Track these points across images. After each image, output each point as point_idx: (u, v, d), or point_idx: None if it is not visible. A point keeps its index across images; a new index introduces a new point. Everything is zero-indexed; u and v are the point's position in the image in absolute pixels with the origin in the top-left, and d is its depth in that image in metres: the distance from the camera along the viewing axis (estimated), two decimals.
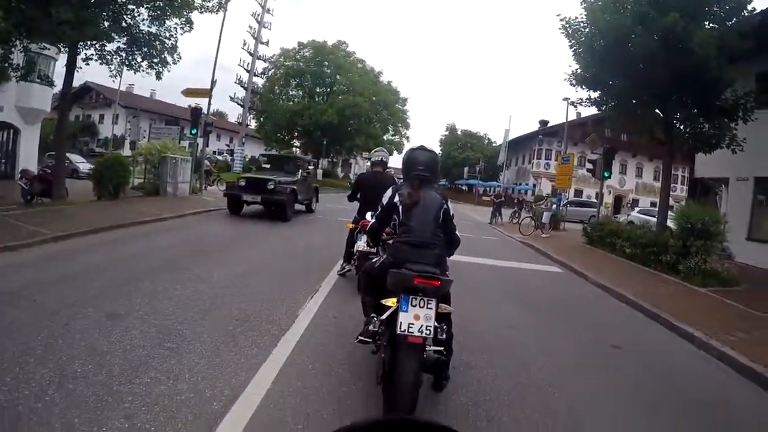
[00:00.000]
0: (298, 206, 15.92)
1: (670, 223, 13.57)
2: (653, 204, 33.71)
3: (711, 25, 12.23)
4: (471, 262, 10.60)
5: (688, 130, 13.99)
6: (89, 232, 9.24)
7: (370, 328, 3.37)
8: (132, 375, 3.48)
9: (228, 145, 57.20)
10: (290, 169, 15.83)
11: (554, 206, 22.18)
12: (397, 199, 3.60)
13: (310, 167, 18.00)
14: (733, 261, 13.14)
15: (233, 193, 14.49)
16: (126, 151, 30.37)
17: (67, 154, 20.35)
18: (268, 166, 16.76)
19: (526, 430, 3.45)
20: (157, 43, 15.04)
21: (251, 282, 6.70)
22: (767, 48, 12.96)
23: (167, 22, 15.14)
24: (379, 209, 3.82)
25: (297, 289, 6.50)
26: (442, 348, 3.45)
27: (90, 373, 3.44)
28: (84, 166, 27.16)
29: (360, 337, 3.44)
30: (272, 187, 13.69)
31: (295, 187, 14.73)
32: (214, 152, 47.35)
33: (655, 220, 16.88)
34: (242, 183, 14.24)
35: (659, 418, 3.98)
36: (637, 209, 31.72)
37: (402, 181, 3.89)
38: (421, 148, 3.88)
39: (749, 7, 12.36)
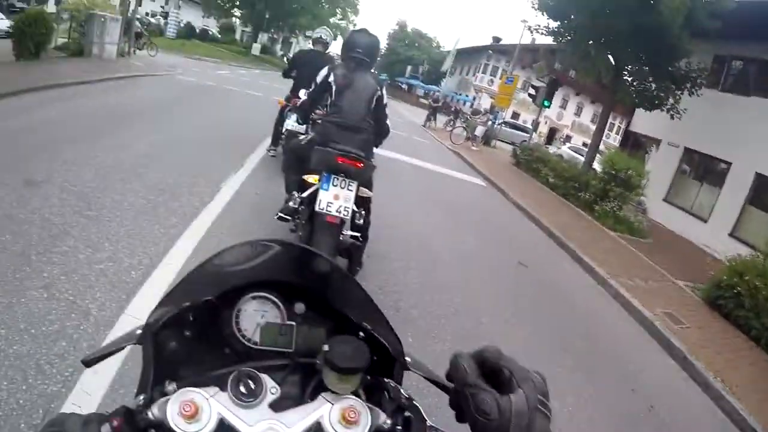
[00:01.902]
0: None
1: (596, 166, 14.14)
2: (584, 144, 34.86)
3: None
4: (399, 159, 10.76)
5: (635, 83, 14.43)
6: (7, 95, 8.43)
7: (290, 204, 3.38)
8: (50, 244, 3.40)
9: (163, 8, 52.35)
10: None
11: (490, 122, 22.48)
12: (331, 78, 3.52)
13: None
14: (645, 216, 14.23)
15: None
16: (51, 7, 27.41)
17: None
18: None
19: (431, 325, 3.71)
20: None
21: (176, 152, 6.53)
22: (732, 35, 13.35)
23: None
24: (313, 87, 3.72)
25: (222, 163, 6.40)
26: (358, 234, 3.52)
27: (8, 243, 3.32)
28: (3, 23, 24.36)
29: (280, 214, 3.44)
30: None
31: None
32: (147, 14, 43.56)
33: (582, 158, 17.60)
34: None
35: (549, 334, 4.42)
36: (568, 144, 32.70)
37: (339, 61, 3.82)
38: (364, 31, 3.78)
39: None
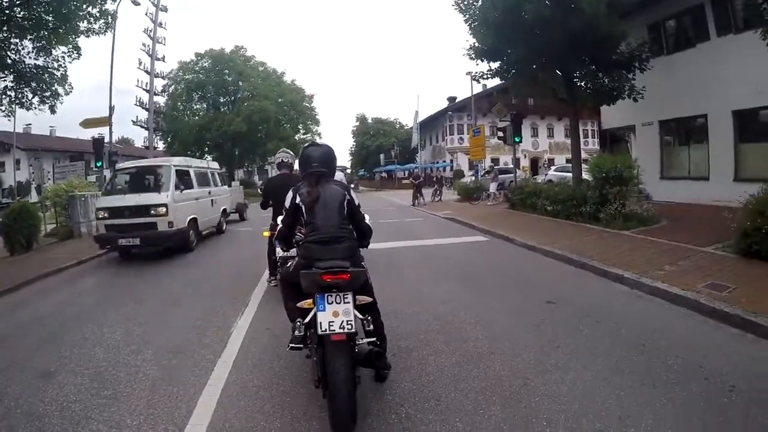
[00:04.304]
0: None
1: (586, 176, 14.17)
2: (569, 161, 35.26)
3: None
4: (398, 246, 10.83)
5: (589, 86, 14.77)
6: (8, 291, 8.61)
7: (297, 333, 3.30)
8: None
9: None
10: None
11: (499, 175, 22.65)
12: (298, 199, 3.58)
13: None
14: (650, 200, 14.20)
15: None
16: (33, 197, 28.53)
17: None
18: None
19: (476, 401, 3.52)
20: (46, 75, 14.48)
21: (179, 311, 6.53)
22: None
23: (54, 51, 14.60)
24: (284, 213, 3.77)
25: (227, 307, 6.41)
26: (374, 339, 3.45)
27: None
28: None
29: (291, 345, 3.36)
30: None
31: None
32: None
33: (571, 175, 17.73)
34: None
35: (603, 362, 4.14)
36: (553, 168, 32.95)
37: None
38: (313, 144, 3.89)
39: None
